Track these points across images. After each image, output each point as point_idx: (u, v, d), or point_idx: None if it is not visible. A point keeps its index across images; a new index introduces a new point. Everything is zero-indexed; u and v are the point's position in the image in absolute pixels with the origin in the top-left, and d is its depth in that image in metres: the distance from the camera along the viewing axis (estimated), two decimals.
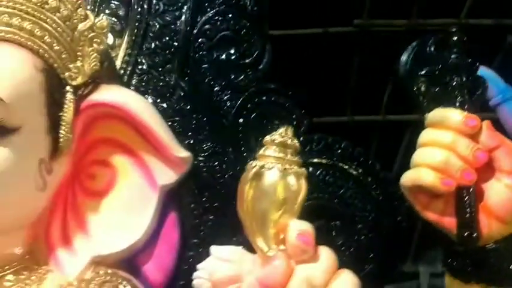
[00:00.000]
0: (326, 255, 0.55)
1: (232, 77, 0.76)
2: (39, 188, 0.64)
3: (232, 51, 0.76)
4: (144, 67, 0.76)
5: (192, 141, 0.74)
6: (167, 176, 0.70)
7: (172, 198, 0.73)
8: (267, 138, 0.59)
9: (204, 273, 0.61)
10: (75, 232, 0.68)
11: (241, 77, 0.76)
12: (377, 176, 0.75)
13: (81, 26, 0.65)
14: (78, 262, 0.67)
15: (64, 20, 0.64)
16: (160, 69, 0.76)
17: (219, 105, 0.76)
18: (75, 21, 0.65)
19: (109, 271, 0.67)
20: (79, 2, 0.65)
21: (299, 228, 0.55)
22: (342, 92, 1.57)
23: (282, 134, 0.58)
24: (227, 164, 0.75)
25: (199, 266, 0.63)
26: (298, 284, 0.53)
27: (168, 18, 0.76)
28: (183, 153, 0.70)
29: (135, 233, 0.69)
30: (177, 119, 0.75)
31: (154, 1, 0.77)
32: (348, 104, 1.62)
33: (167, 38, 0.76)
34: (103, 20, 0.66)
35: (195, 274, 0.63)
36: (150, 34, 0.76)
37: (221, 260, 0.60)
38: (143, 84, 0.76)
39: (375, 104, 1.65)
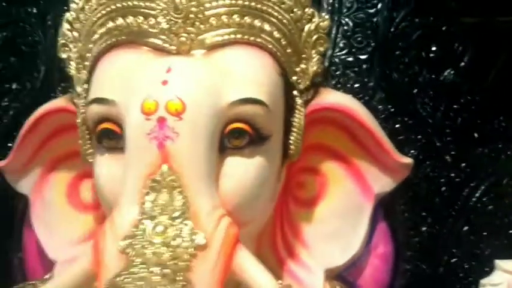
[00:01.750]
0: None
1: (434, 76, 0.71)
2: (272, 197, 0.59)
3: (433, 49, 0.71)
4: (339, 67, 0.71)
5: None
6: (384, 184, 0.64)
7: (382, 207, 0.67)
8: None
9: None
10: (296, 243, 0.63)
11: (444, 75, 0.71)
12: None
13: (308, 27, 0.60)
14: (315, 278, 0.61)
15: (296, 20, 0.58)
16: (356, 69, 0.71)
17: (422, 106, 0.70)
18: (304, 21, 0.59)
19: (343, 286, 0.62)
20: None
21: None
22: None
23: None
24: (441, 169, 0.69)
25: (483, 281, 0.57)
26: None
27: (362, 15, 0.72)
28: (406, 159, 0.64)
29: (352, 244, 0.63)
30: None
31: None
32: None
33: (361, 37, 0.71)
34: (325, 20, 0.61)
35: None
36: (345, 33, 0.71)
37: None
38: (339, 86, 0.70)
39: None
